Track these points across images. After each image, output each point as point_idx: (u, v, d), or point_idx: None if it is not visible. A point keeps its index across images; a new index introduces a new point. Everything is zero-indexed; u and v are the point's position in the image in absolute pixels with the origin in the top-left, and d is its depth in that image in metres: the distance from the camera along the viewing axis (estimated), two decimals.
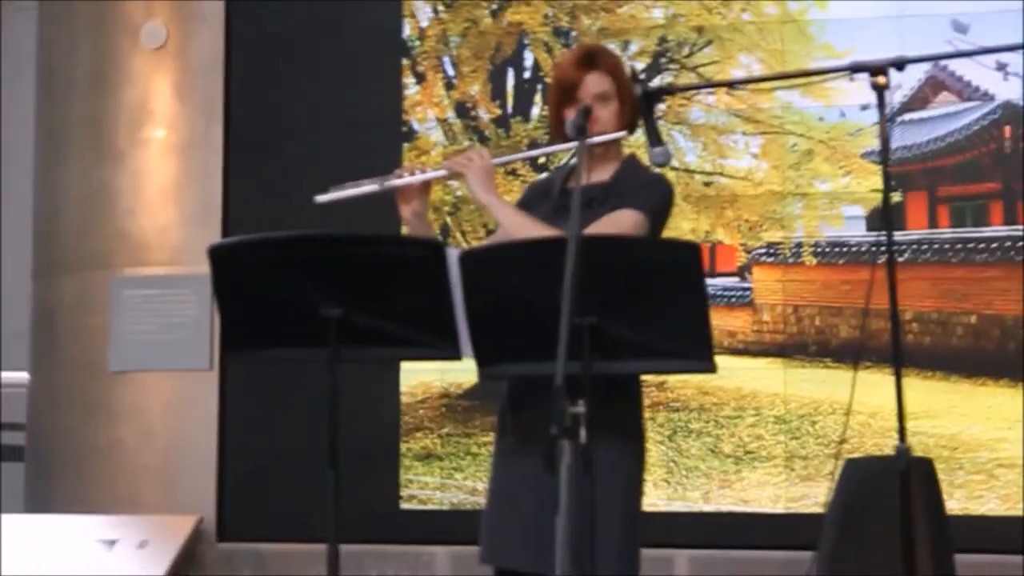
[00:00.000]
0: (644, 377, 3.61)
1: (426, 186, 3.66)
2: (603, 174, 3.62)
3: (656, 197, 3.57)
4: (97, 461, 5.99)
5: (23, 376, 6.43)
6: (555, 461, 2.85)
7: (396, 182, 3.60)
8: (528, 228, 3.46)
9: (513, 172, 5.66)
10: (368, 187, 3.57)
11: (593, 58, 3.64)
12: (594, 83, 3.59)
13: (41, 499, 6.10)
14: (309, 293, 3.23)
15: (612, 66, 3.64)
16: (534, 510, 3.30)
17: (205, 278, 5.47)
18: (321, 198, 3.57)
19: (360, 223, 3.42)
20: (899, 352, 3.18)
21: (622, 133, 3.61)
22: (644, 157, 3.62)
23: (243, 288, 3.31)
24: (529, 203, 3.71)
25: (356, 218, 3.49)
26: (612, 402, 3.33)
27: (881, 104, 3.29)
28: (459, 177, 3.62)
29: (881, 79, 3.29)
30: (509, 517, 3.45)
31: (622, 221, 3.48)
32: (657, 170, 3.69)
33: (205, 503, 5.86)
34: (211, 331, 5.87)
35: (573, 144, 3.49)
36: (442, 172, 3.68)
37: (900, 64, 3.33)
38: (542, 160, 5.51)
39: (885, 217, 3.34)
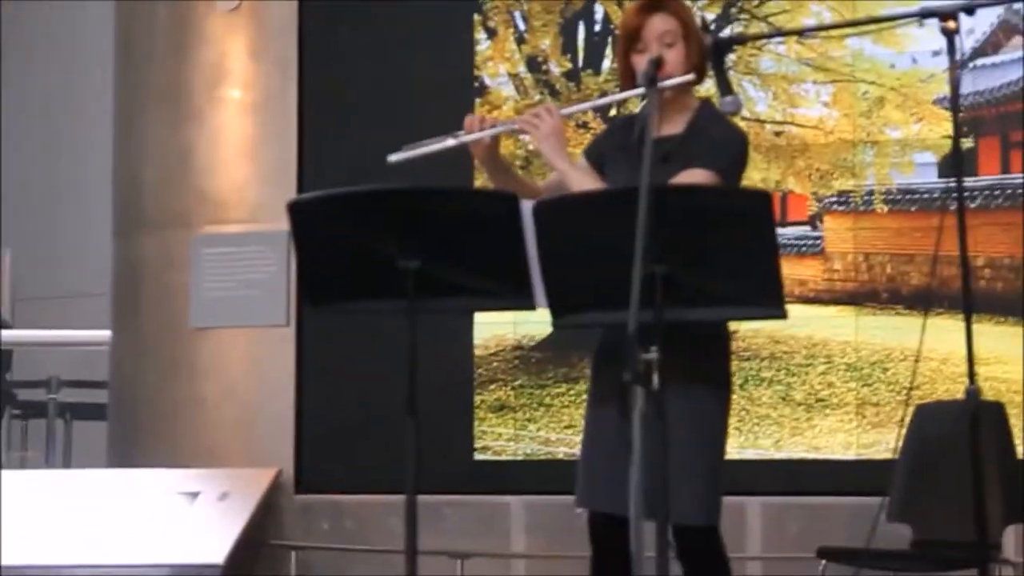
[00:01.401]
0: None
1: (495, 138, 3.70)
2: (677, 125, 3.63)
3: (728, 157, 3.58)
4: (179, 417, 6.08)
5: (105, 334, 6.54)
6: (629, 408, 2.91)
7: (466, 138, 3.63)
8: None
9: (584, 125, 5.68)
10: (439, 144, 3.62)
11: (658, 1, 3.65)
12: (659, 24, 3.58)
13: (124, 455, 6.21)
14: (386, 246, 3.28)
15: (677, 8, 3.63)
16: (621, 456, 3.35)
17: (282, 235, 5.60)
18: (394, 158, 3.61)
19: (434, 175, 3.48)
20: (969, 297, 3.19)
21: (690, 77, 3.61)
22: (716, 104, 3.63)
23: (321, 242, 3.37)
24: (604, 156, 3.74)
25: (430, 170, 3.54)
26: (694, 349, 3.36)
27: (951, 49, 3.28)
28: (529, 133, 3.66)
29: (951, 24, 3.27)
30: (599, 463, 3.51)
31: (693, 182, 3.48)
32: (731, 120, 3.70)
33: (284, 456, 5.94)
34: (288, 287, 5.95)
35: (641, 90, 3.51)
36: (512, 127, 3.73)
37: (970, 9, 3.31)
38: (612, 112, 5.52)
39: (956, 163, 3.35)
